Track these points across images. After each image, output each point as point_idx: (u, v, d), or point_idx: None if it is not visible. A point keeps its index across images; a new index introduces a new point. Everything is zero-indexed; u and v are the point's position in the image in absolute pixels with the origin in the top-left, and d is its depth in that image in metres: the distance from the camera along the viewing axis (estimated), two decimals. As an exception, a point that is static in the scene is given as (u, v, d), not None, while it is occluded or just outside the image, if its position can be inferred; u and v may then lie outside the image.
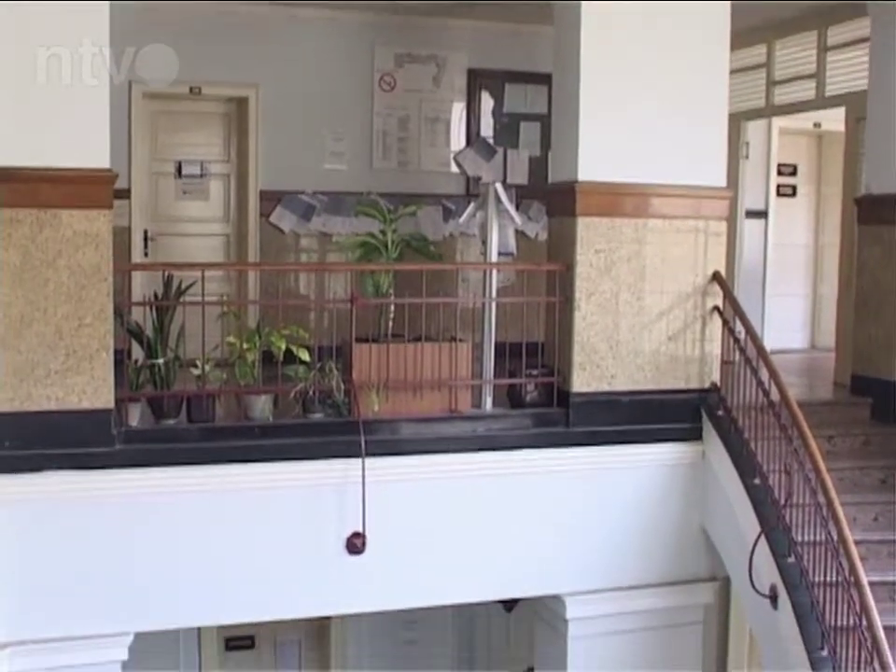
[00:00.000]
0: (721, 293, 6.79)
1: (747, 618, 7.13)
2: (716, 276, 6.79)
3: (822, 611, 5.43)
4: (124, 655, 6.14)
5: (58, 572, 5.94)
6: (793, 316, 11.05)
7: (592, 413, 6.56)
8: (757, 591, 5.93)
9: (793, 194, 11.18)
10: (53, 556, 5.92)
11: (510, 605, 9.07)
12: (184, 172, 9.32)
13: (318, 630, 10.03)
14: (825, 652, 5.33)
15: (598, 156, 6.56)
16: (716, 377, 6.85)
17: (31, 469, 5.79)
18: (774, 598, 5.82)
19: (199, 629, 9.44)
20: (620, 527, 6.68)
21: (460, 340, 6.65)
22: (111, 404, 5.89)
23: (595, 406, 6.56)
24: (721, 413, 6.67)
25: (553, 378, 6.66)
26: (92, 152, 5.74)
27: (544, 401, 6.66)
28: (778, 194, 10.80)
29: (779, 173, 10.79)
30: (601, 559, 6.67)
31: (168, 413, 6.21)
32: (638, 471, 6.67)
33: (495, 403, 6.73)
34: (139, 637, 6.21)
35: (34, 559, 5.88)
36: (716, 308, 6.79)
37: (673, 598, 6.80)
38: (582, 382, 6.55)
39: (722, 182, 6.95)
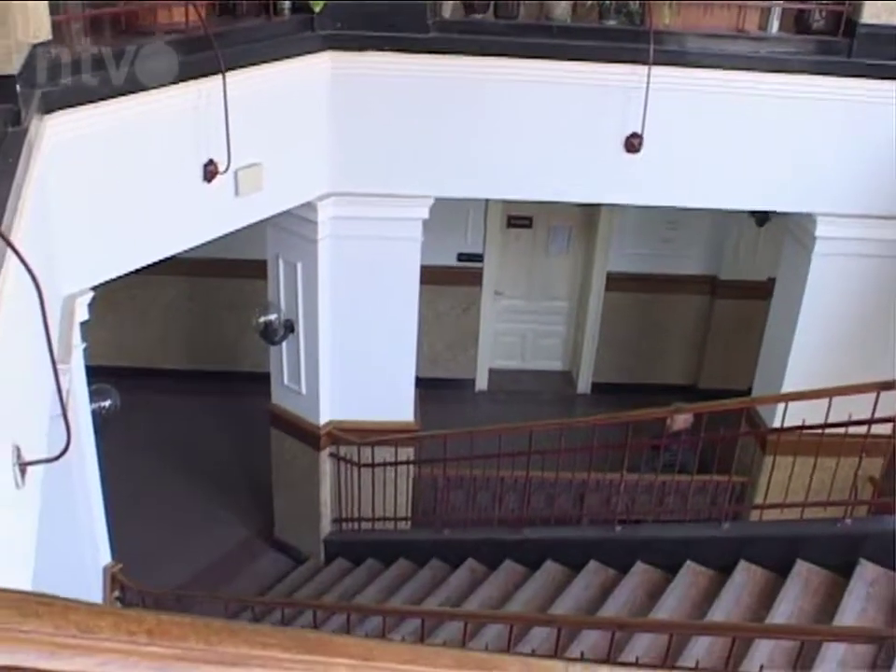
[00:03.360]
0: None
1: None
2: None
3: None
4: (425, 214, 6.59)
5: (375, 139, 6.32)
6: None
7: (877, 45, 6.02)
8: None
9: None
10: (371, 125, 6.28)
11: (762, 220, 9.01)
12: None
13: (588, 220, 10.29)
14: None
15: None
16: None
17: (357, 48, 5.99)
18: None
19: (486, 205, 9.89)
20: (882, 160, 6.34)
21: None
22: (424, -11, 5.95)
23: (882, 39, 6.01)
24: None
25: (842, 6, 6.12)
26: None
27: (831, 30, 6.19)
28: None
29: None
30: (858, 187, 6.44)
31: (477, 8, 6.21)
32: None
33: (781, 28, 6.32)
34: (439, 203, 6.61)
35: (354, 125, 6.25)
36: None
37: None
38: (873, 13, 5.97)
39: None
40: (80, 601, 0.74)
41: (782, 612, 5.36)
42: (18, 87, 3.62)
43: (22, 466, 2.69)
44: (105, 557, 5.49)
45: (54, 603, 0.72)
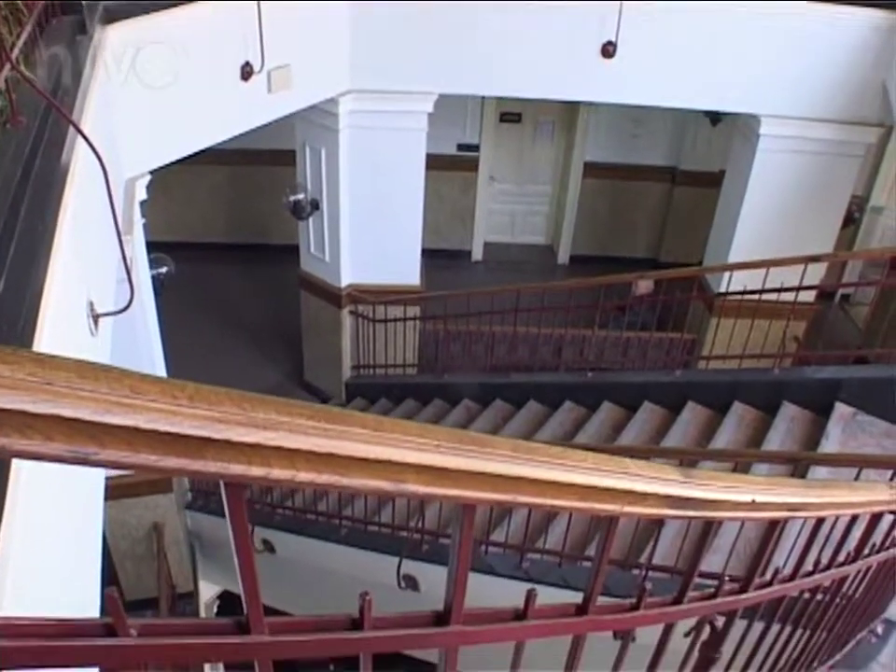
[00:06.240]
0: None
1: None
2: None
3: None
4: (430, 108, 6.50)
5: (388, 43, 6.19)
6: None
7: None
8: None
9: None
10: (384, 31, 6.12)
11: (715, 119, 8.87)
12: None
13: (568, 116, 10.11)
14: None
15: None
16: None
17: None
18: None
19: (482, 103, 9.70)
20: (817, 71, 6.25)
21: None
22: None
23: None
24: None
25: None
26: None
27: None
28: None
29: None
30: (796, 93, 6.36)
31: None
32: (838, 28, 6.04)
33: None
34: (442, 100, 6.49)
35: (370, 32, 6.07)
36: None
37: (846, 134, 6.48)
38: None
39: None
40: (133, 370, 0.75)
41: (721, 442, 5.49)
42: (83, 1, 3.55)
43: (95, 317, 2.73)
44: (165, 395, 5.58)
45: (111, 369, 0.73)
